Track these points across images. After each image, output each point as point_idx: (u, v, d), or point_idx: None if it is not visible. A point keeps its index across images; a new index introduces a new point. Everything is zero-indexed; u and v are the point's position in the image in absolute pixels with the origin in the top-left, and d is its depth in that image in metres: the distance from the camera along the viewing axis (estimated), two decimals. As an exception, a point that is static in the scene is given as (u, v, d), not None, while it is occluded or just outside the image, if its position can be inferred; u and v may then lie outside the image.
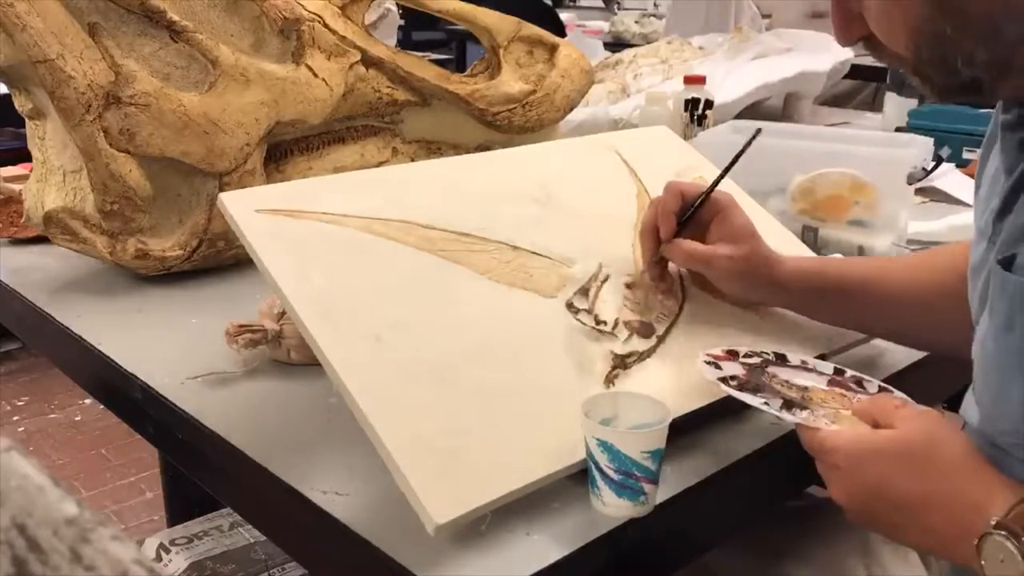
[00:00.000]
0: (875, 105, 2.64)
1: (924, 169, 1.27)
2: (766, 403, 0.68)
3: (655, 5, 4.74)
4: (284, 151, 1.17)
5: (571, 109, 1.35)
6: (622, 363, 0.77)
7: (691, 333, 0.83)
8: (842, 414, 0.68)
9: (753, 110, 1.95)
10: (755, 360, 0.77)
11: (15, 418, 2.68)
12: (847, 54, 2.12)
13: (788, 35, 2.25)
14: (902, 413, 0.65)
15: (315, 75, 1.11)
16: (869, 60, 2.60)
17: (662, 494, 0.66)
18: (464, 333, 0.73)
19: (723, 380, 0.71)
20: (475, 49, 3.29)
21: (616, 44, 3.54)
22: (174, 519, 1.62)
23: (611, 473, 0.63)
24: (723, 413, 0.76)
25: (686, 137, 1.46)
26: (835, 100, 2.71)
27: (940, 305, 0.81)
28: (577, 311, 0.80)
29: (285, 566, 1.36)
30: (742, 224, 0.84)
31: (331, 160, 1.19)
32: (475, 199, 0.87)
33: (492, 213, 0.85)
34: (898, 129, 1.75)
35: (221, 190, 1.04)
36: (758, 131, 0.88)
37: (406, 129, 1.26)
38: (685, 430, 0.73)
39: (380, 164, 1.23)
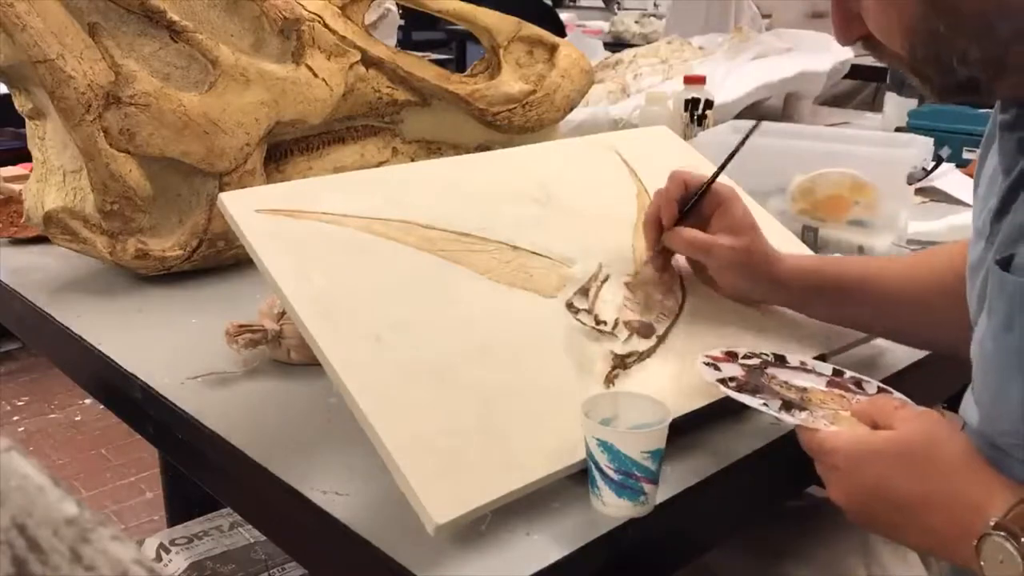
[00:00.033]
0: (875, 105, 2.64)
1: (924, 169, 1.27)
2: (765, 404, 0.68)
3: (655, 5, 4.74)
4: (284, 151, 1.17)
5: (571, 109, 1.35)
6: (622, 363, 0.77)
7: (691, 333, 0.83)
8: (841, 415, 0.68)
9: (753, 110, 1.95)
10: (754, 361, 0.77)
11: (15, 418, 2.68)
12: (847, 54, 2.12)
13: (788, 35, 2.25)
14: (901, 414, 0.65)
15: (315, 75, 1.11)
16: (869, 60, 2.60)
17: (662, 494, 0.66)
18: (464, 333, 0.73)
19: (722, 381, 0.71)
20: (475, 49, 3.29)
21: (616, 44, 3.54)
22: (174, 519, 1.62)
23: (611, 473, 0.63)
24: (723, 413, 0.76)
25: (686, 137, 1.46)
26: (835, 100, 2.71)
27: (938, 303, 0.81)
28: (577, 311, 0.80)
29: (285, 566, 1.36)
30: (743, 216, 0.84)
31: (331, 160, 1.19)
32: (475, 199, 0.87)
33: (492, 213, 0.85)
34: (898, 129, 1.75)
35: (221, 190, 1.04)
36: (759, 122, 0.88)
37: (406, 129, 1.26)
38: (685, 430, 0.73)
39: (380, 164, 1.23)
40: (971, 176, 0.79)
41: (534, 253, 0.84)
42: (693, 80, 1.67)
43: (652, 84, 1.93)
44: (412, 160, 1.25)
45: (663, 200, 0.85)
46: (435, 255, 0.79)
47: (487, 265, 0.80)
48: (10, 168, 1.50)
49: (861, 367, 0.81)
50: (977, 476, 0.62)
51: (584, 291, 0.82)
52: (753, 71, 1.97)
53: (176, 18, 1.03)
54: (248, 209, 0.76)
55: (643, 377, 0.77)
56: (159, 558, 1.38)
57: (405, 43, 4.17)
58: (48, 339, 1.07)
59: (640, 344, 0.80)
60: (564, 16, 4.58)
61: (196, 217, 1.08)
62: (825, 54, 2.09)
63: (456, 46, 4.82)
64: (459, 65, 4.36)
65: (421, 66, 1.22)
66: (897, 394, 0.73)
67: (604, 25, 4.20)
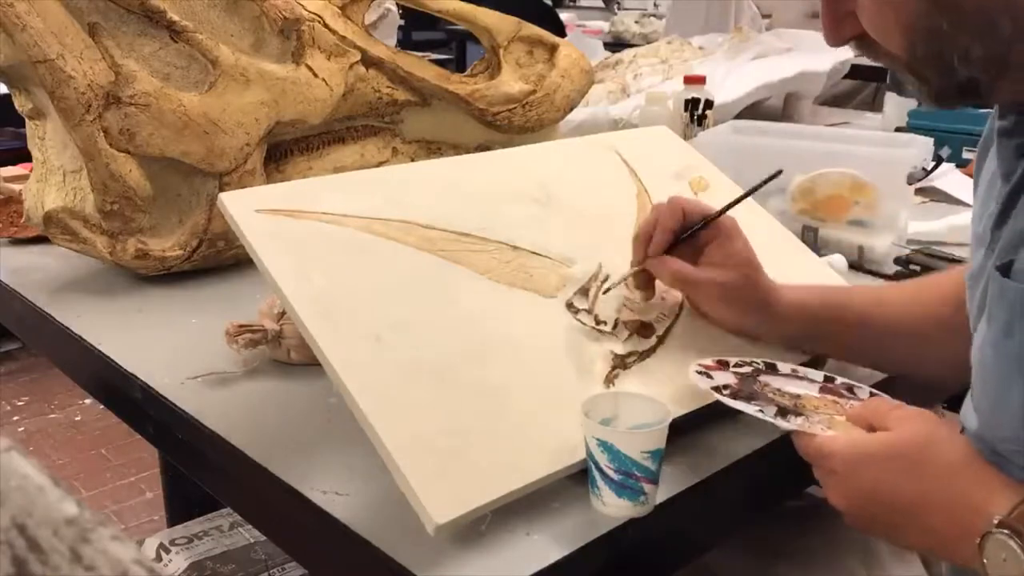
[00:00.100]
0: (875, 105, 2.64)
1: (924, 169, 1.27)
2: (760, 411, 0.68)
3: (655, 5, 4.74)
4: (284, 151, 1.17)
5: (571, 109, 1.35)
6: (622, 363, 0.77)
7: (691, 333, 0.83)
8: (837, 420, 0.68)
9: (753, 110, 1.95)
10: (746, 369, 0.76)
11: (15, 418, 2.68)
12: (847, 54, 2.12)
13: (788, 35, 2.26)
14: (897, 414, 0.65)
15: (315, 75, 1.11)
16: (869, 60, 2.60)
17: (662, 494, 0.66)
18: (464, 333, 0.73)
19: (716, 389, 0.71)
20: (475, 49, 3.29)
21: (616, 44, 3.54)
22: (174, 519, 1.62)
23: (611, 473, 0.63)
24: (723, 414, 0.76)
25: (686, 137, 1.46)
26: (835, 100, 2.71)
27: (936, 336, 0.81)
28: (577, 311, 0.80)
29: (285, 566, 1.36)
30: (739, 251, 0.81)
31: (331, 160, 1.19)
32: (475, 199, 0.87)
33: (492, 213, 0.85)
34: (898, 129, 1.75)
35: (221, 190, 1.04)
36: (778, 172, 0.85)
37: (406, 129, 1.26)
38: (685, 430, 0.73)
39: (380, 164, 1.23)
40: (971, 176, 0.79)
41: (534, 253, 0.84)
42: (693, 80, 1.67)
43: (652, 84, 1.93)
44: (412, 160, 1.25)
45: (655, 229, 0.82)
46: (435, 255, 0.79)
47: (487, 265, 0.80)
48: (10, 168, 1.51)
49: (854, 373, 0.81)
50: (978, 475, 0.62)
51: (584, 291, 0.82)
52: (753, 71, 1.97)
53: (176, 18, 1.03)
54: (248, 209, 0.76)
55: (643, 377, 0.77)
56: (159, 558, 1.38)
57: (405, 43, 4.17)
58: (48, 339, 1.07)
59: (640, 344, 0.80)
60: (564, 16, 4.59)
61: (196, 217, 1.08)
62: (825, 54, 2.09)
63: (456, 46, 4.83)
64: (459, 65, 4.36)
65: (421, 66, 1.22)
66: (888, 399, 0.73)
67: (604, 25, 4.20)
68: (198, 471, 0.86)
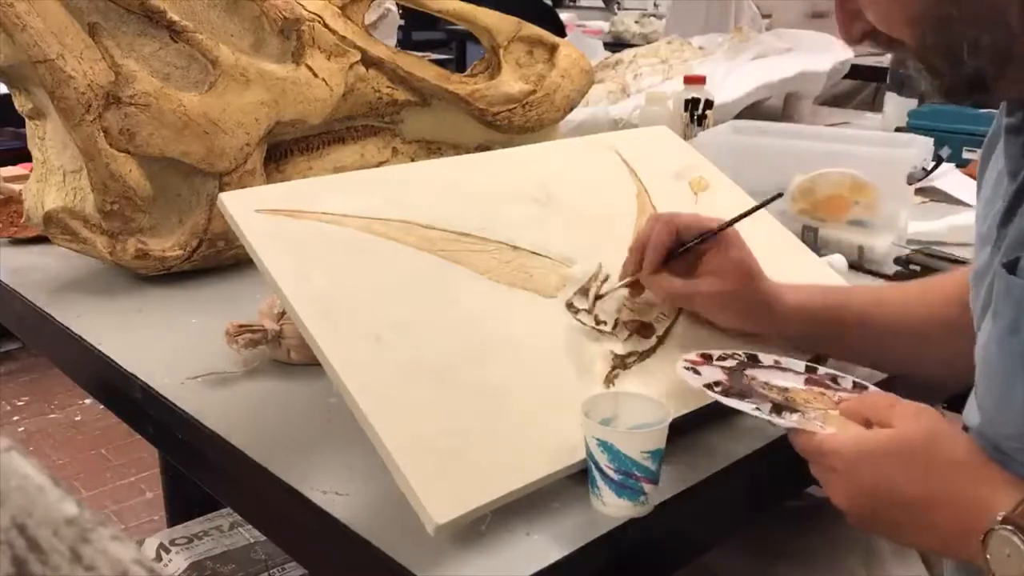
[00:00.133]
0: (875, 105, 2.64)
1: (924, 169, 1.27)
2: (757, 408, 0.68)
3: (655, 5, 4.74)
4: (284, 151, 1.17)
5: (571, 109, 1.35)
6: (622, 363, 0.77)
7: (691, 333, 0.83)
8: (831, 414, 0.67)
9: (753, 110, 1.95)
10: (730, 363, 0.76)
11: (15, 418, 2.68)
12: (847, 54, 2.12)
13: (788, 35, 2.26)
14: (898, 411, 0.64)
15: (315, 75, 1.11)
16: (869, 60, 2.61)
17: (662, 494, 0.66)
18: (464, 333, 0.73)
19: (708, 387, 0.71)
20: (475, 49, 3.29)
21: (616, 44, 3.54)
22: (174, 519, 1.62)
23: (611, 473, 0.63)
24: (722, 413, 0.76)
25: (686, 137, 1.46)
26: (835, 100, 2.71)
27: (937, 336, 0.81)
28: (577, 311, 0.80)
29: (285, 566, 1.36)
30: (738, 261, 0.81)
31: (331, 160, 1.19)
32: (475, 199, 0.87)
33: (492, 213, 0.85)
34: (898, 129, 1.75)
35: (221, 190, 1.04)
36: (778, 195, 0.85)
37: (406, 129, 1.26)
38: (685, 430, 0.73)
39: (380, 164, 1.23)
40: (971, 176, 0.79)
41: (534, 253, 0.84)
42: (693, 80, 1.67)
43: (652, 84, 1.93)
44: (412, 160, 1.25)
45: (649, 244, 0.81)
46: (435, 255, 0.79)
47: (487, 265, 0.80)
48: (10, 168, 1.51)
49: (854, 373, 0.80)
50: (981, 472, 0.62)
51: (584, 291, 0.82)
52: (753, 71, 1.97)
53: (176, 18, 1.03)
54: (248, 209, 0.76)
55: (643, 377, 0.77)
56: (159, 558, 1.38)
57: (405, 43, 4.17)
58: (48, 339, 1.07)
59: (640, 344, 0.80)
60: (564, 16, 4.58)
61: (196, 217, 1.08)
62: (825, 54, 2.09)
63: (456, 46, 4.82)
64: (459, 65, 4.36)
65: (421, 66, 1.22)
66: (873, 388, 0.73)
67: (604, 25, 4.20)
68: (198, 471, 0.86)
